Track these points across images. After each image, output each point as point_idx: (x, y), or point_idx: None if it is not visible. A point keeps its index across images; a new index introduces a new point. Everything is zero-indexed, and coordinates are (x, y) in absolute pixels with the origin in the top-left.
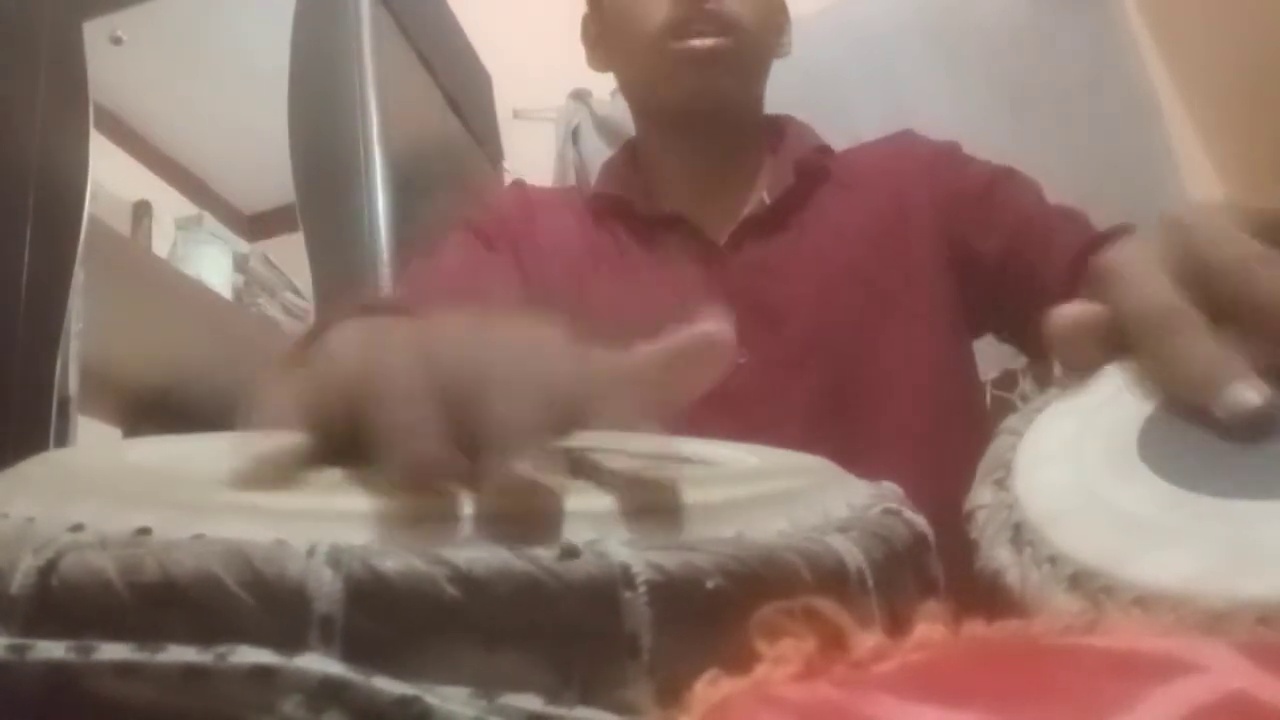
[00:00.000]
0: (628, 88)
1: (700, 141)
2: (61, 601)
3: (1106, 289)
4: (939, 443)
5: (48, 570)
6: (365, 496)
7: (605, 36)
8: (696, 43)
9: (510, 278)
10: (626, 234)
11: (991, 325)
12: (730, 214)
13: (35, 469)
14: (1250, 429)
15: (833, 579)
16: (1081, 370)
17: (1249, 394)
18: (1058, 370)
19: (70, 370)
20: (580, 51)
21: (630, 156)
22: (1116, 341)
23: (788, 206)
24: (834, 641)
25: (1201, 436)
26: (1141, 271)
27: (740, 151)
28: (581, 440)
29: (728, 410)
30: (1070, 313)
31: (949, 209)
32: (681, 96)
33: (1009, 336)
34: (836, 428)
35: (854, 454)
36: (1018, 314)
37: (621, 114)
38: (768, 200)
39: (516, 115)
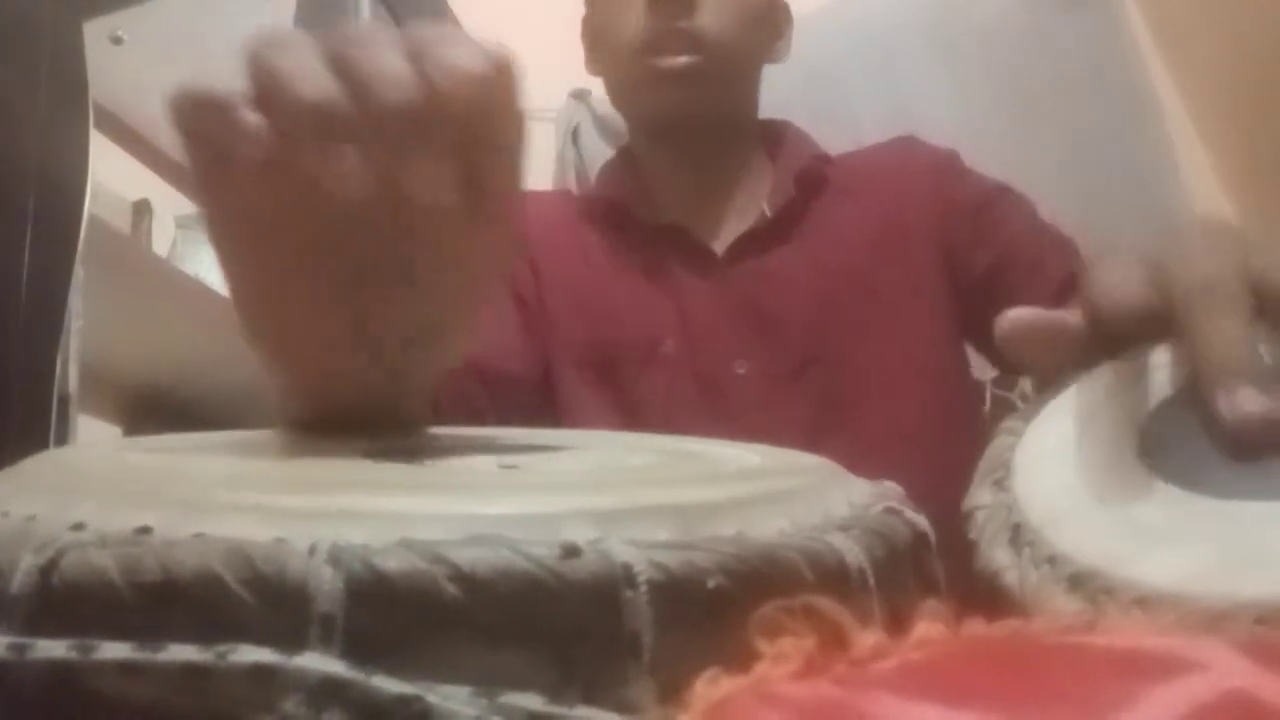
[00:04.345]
0: (612, 97)
1: (690, 151)
2: (62, 600)
3: (1157, 264)
4: (937, 445)
5: (49, 569)
6: (368, 496)
7: (593, 44)
8: (666, 62)
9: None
10: (624, 240)
11: (970, 336)
12: (729, 224)
13: (36, 468)
14: (1241, 437)
15: (834, 578)
16: (1040, 375)
17: (1252, 401)
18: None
19: (70, 369)
20: (580, 51)
21: (628, 161)
22: (1073, 345)
23: (788, 217)
24: (834, 640)
25: (1202, 437)
26: (1195, 249)
27: (735, 160)
28: (583, 439)
29: (727, 419)
30: (1020, 315)
31: (945, 217)
32: (656, 112)
33: (985, 349)
34: (835, 434)
35: (853, 458)
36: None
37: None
38: (769, 213)
39: None
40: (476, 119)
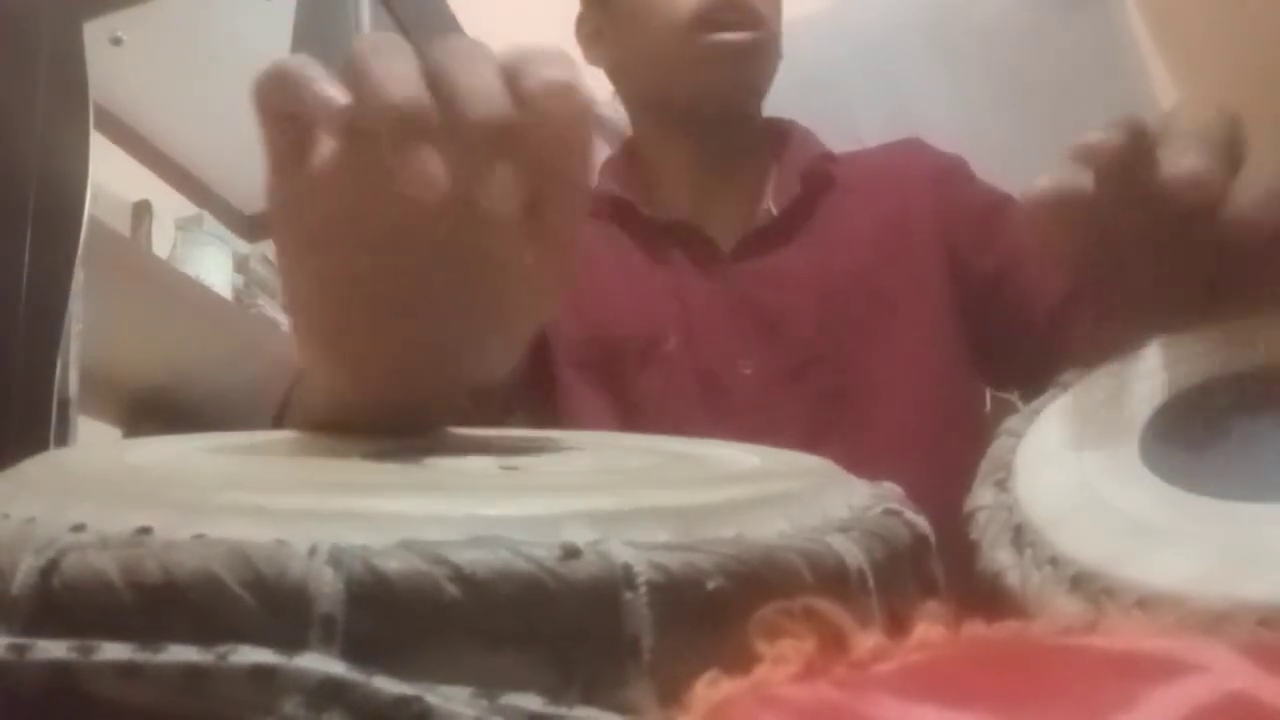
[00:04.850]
0: (636, 85)
1: (704, 144)
2: (62, 602)
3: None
4: (939, 446)
5: (49, 570)
6: (368, 497)
7: (608, 32)
8: (730, 36)
9: None
10: (627, 237)
11: (969, 344)
12: (735, 222)
13: (36, 469)
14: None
15: (833, 579)
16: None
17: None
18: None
19: (70, 370)
20: (579, 52)
21: (631, 157)
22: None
23: (793, 216)
24: (834, 642)
25: (1203, 438)
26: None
27: (744, 156)
28: (583, 440)
29: (728, 418)
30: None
31: (951, 222)
32: (708, 92)
33: (979, 358)
34: (837, 434)
35: (855, 458)
36: (997, 337)
37: (623, 115)
38: (775, 211)
39: None
40: (553, 147)
